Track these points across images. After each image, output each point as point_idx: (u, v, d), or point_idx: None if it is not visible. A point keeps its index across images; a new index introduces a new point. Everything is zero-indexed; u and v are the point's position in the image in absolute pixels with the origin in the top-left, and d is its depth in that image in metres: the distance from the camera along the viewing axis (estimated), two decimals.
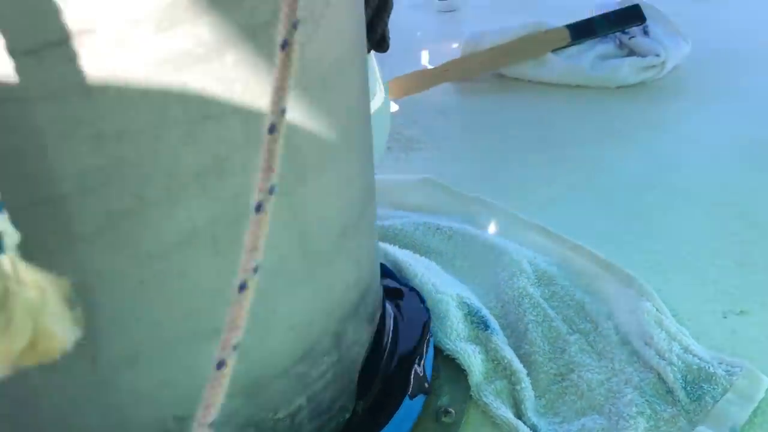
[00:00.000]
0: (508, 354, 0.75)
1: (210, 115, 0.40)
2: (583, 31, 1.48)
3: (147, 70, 0.37)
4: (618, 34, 1.51)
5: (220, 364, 0.32)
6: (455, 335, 0.76)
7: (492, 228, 0.99)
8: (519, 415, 0.70)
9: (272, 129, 0.30)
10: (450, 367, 0.74)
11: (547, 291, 0.86)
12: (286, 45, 0.29)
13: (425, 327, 0.71)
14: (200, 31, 0.38)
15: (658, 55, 1.44)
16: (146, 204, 0.40)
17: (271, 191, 0.30)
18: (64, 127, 0.36)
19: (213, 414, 0.32)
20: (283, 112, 0.30)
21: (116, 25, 0.35)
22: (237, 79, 0.41)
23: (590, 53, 1.48)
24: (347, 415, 0.63)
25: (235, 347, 0.32)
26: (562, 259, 0.92)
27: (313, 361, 0.56)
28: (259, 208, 0.30)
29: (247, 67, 0.41)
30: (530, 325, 0.81)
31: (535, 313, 0.82)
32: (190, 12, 0.37)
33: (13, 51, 0.33)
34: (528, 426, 0.68)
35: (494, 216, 1.01)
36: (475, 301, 0.81)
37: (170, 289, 0.44)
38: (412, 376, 0.66)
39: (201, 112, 0.40)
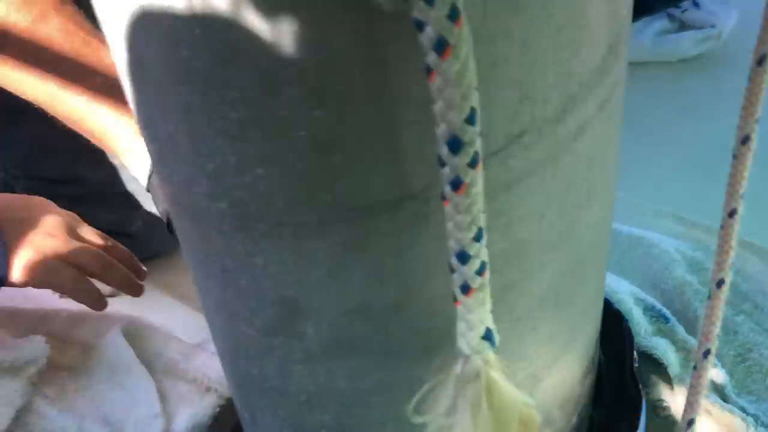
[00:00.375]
0: (695, 344, 0.80)
1: (572, 187, 0.44)
2: (641, 9, 1.52)
3: (540, 162, 0.40)
4: (670, 8, 1.55)
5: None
6: (644, 331, 0.81)
7: (625, 218, 1.04)
8: (724, 398, 0.76)
9: (732, 213, 0.34)
10: (645, 362, 0.79)
11: (701, 277, 0.92)
12: (747, 140, 0.33)
13: (627, 329, 0.76)
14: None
15: (713, 26, 1.49)
16: (526, 275, 0.44)
17: (724, 281, 0.34)
18: (489, 221, 0.39)
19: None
20: (742, 196, 0.34)
21: (534, 137, 0.38)
22: (594, 155, 0.44)
23: (648, 30, 1.52)
24: (586, 425, 0.68)
25: None
26: (700, 243, 0.97)
27: (584, 382, 0.61)
28: (719, 284, 0.34)
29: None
30: (699, 312, 0.86)
31: (699, 300, 0.87)
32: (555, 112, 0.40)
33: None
34: (738, 408, 0.74)
35: (622, 206, 1.06)
36: (647, 296, 0.86)
37: (521, 341, 0.48)
38: (638, 378, 0.71)
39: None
